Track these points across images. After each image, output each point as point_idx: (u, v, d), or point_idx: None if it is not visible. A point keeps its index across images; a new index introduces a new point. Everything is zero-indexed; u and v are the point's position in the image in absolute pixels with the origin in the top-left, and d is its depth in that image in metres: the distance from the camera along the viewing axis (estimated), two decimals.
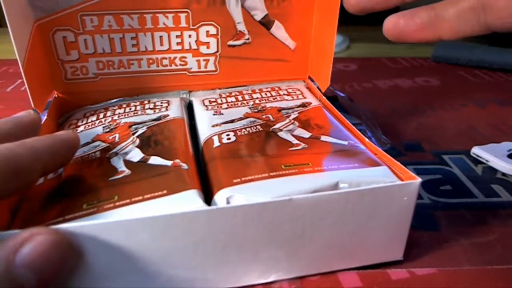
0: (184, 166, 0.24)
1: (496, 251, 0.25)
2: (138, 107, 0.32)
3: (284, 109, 0.31)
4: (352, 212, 0.21)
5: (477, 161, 0.35)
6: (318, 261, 0.23)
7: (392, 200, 0.22)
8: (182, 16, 0.33)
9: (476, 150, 0.35)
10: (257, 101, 0.33)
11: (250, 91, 0.35)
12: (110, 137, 0.28)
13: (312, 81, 0.37)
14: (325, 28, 0.34)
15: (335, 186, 0.22)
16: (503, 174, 0.33)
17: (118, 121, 0.30)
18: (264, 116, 0.30)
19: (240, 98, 0.34)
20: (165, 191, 0.21)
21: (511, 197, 0.31)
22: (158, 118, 0.30)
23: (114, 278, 0.20)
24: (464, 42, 0.69)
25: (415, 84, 0.55)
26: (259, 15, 0.34)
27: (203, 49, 0.35)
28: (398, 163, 0.24)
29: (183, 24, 0.33)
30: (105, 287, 0.20)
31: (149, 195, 0.21)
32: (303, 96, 0.34)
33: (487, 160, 0.34)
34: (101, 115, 0.32)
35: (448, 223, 0.28)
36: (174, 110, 0.31)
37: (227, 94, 0.35)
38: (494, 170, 0.34)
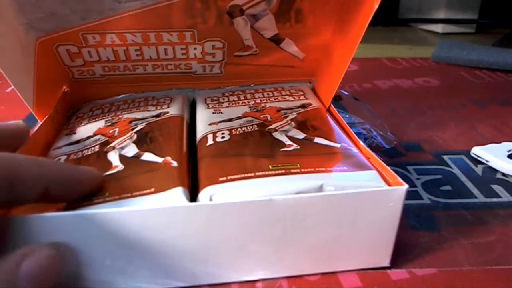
0: (174, 163, 0.24)
1: (496, 251, 0.25)
2: (142, 103, 0.33)
3: (283, 109, 0.31)
4: (335, 215, 0.21)
5: (477, 161, 0.35)
6: (300, 263, 0.23)
7: (377, 205, 0.21)
8: (187, 34, 0.32)
9: (476, 150, 0.35)
10: (258, 101, 0.33)
11: (253, 91, 0.35)
12: (110, 131, 0.28)
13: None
14: (342, 52, 0.32)
15: (320, 188, 0.22)
16: (503, 174, 0.33)
17: (120, 116, 0.31)
18: (262, 116, 0.30)
19: (242, 97, 0.34)
20: (152, 189, 0.22)
21: (511, 197, 0.31)
22: (158, 115, 0.30)
23: (95, 266, 0.20)
24: (464, 42, 0.69)
25: (415, 84, 0.55)
26: (269, 34, 0.33)
27: (208, 58, 0.34)
28: (388, 168, 0.24)
29: (188, 40, 0.32)
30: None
31: (137, 193, 0.22)
32: (304, 97, 0.34)
33: (487, 160, 0.34)
34: (106, 110, 0.32)
35: (448, 223, 0.28)
36: (175, 107, 0.31)
37: (230, 93, 0.35)
38: (494, 170, 0.34)
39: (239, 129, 0.28)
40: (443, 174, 0.33)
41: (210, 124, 0.29)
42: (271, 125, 0.29)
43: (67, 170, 0.21)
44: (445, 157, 0.36)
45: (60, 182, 0.20)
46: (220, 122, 0.29)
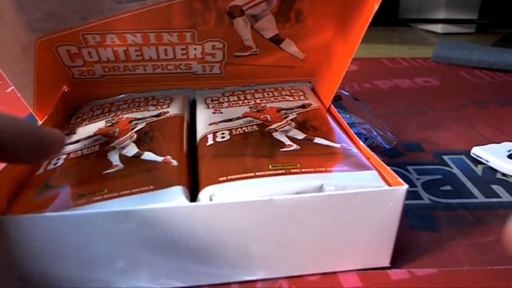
0: (174, 162, 0.24)
1: (496, 251, 0.25)
2: (142, 103, 0.33)
3: (283, 109, 0.31)
4: (335, 215, 0.21)
5: (477, 161, 0.35)
6: (300, 263, 0.23)
7: (377, 206, 0.21)
8: (188, 34, 0.32)
9: (476, 150, 0.35)
10: (258, 101, 0.33)
11: (253, 91, 0.35)
12: (111, 131, 0.28)
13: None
14: (342, 52, 0.32)
15: (320, 188, 0.22)
16: (503, 174, 0.33)
17: (120, 116, 0.31)
18: (262, 116, 0.30)
19: (242, 97, 0.34)
20: (151, 187, 0.22)
21: (511, 197, 0.31)
22: (158, 115, 0.30)
23: (95, 267, 0.21)
24: (464, 42, 0.69)
25: (415, 84, 0.55)
26: (269, 34, 0.33)
27: (208, 58, 0.34)
28: (388, 168, 0.24)
29: (188, 40, 0.32)
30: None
31: (136, 190, 0.22)
32: (304, 97, 0.34)
33: (487, 161, 0.34)
34: (106, 110, 0.32)
35: (448, 223, 0.28)
36: (175, 107, 0.32)
37: (230, 93, 0.35)
38: (494, 171, 0.34)
39: (239, 129, 0.28)
40: (443, 174, 0.33)
41: (210, 124, 0.29)
42: (271, 125, 0.29)
43: (25, 127, 0.19)
44: (445, 157, 0.36)
45: (16, 138, 0.18)
46: (220, 122, 0.29)
